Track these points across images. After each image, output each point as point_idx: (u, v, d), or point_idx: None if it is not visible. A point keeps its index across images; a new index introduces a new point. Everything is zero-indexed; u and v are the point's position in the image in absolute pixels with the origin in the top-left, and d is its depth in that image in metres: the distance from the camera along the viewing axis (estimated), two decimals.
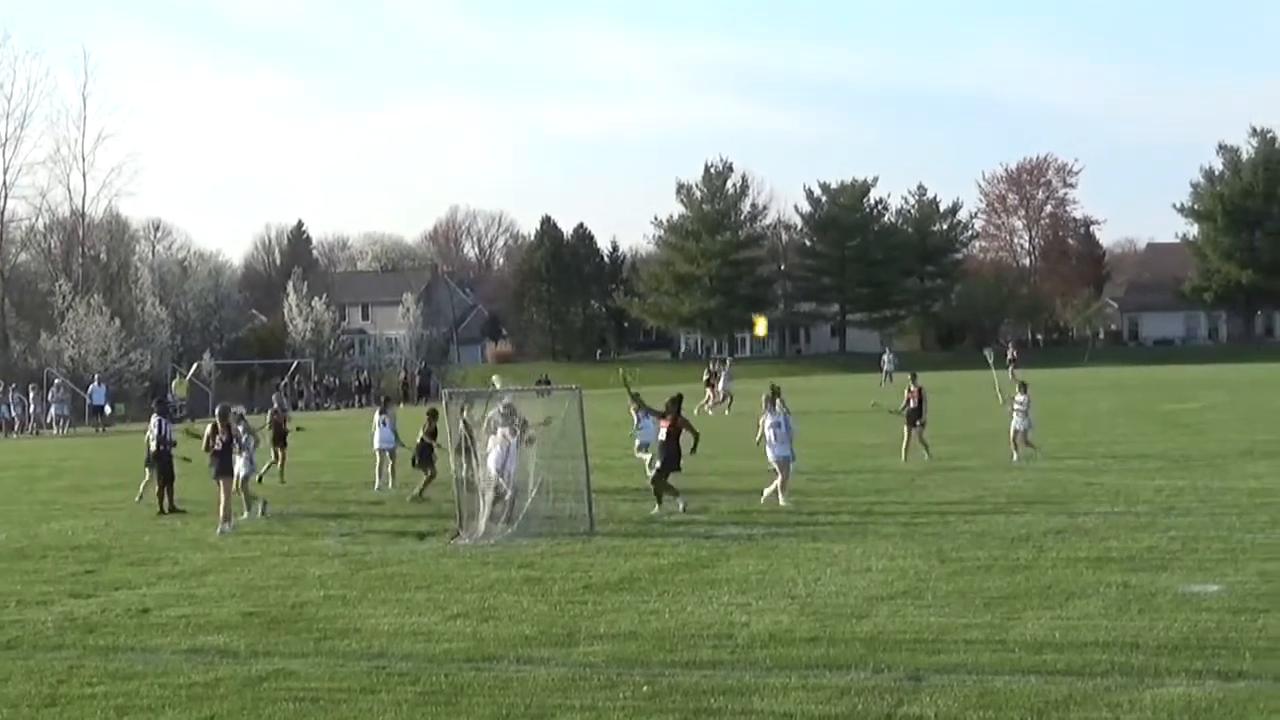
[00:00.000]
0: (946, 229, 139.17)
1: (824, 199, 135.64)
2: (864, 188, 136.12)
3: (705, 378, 55.93)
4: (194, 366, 75.07)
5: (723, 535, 20.34)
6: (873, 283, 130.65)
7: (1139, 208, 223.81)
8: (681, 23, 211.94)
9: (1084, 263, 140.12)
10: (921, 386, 31.71)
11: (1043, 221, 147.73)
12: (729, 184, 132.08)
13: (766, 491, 23.76)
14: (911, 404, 31.38)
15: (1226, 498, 22.52)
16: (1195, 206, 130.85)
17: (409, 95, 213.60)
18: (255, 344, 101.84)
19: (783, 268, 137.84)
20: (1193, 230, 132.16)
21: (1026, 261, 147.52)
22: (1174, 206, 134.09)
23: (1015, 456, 30.08)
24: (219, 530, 23.17)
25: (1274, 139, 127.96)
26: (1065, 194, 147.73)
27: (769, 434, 23.91)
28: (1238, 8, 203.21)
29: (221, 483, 23.83)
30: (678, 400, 24.03)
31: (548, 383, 52.64)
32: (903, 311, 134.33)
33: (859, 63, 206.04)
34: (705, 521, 21.97)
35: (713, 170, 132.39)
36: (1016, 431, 30.80)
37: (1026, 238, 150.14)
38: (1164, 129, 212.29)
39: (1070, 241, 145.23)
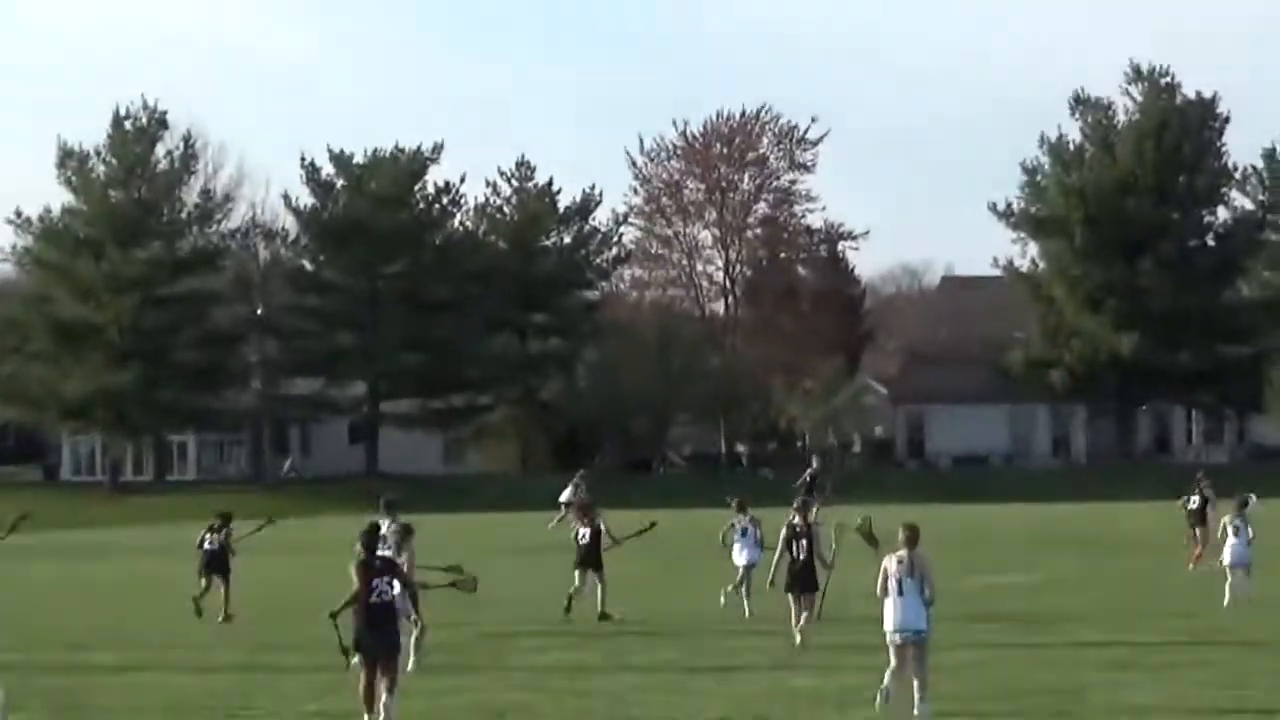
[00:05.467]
0: (570, 244, 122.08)
1: (340, 181, 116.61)
2: (417, 162, 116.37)
3: (1189, 511, 46.00)
4: None
5: None
6: (430, 344, 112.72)
7: (929, 211, 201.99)
8: None
9: (826, 311, 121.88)
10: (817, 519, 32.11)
11: (751, 232, 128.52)
12: (159, 148, 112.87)
13: None
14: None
15: None
16: (1033, 209, 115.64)
17: None
18: None
19: (260, 311, 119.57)
20: (1027, 252, 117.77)
21: (720, 306, 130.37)
22: (990, 208, 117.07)
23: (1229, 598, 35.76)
24: None
25: (1175, 84, 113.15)
26: (793, 181, 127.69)
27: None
28: None
29: None
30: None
31: None
32: (486, 398, 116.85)
33: None
34: None
35: (129, 120, 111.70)
36: (1236, 566, 35.09)
37: (720, 262, 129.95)
38: (975, 62, 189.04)
39: (802, 272, 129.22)
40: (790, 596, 30.16)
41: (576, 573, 34.78)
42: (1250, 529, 35.98)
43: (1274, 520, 45.83)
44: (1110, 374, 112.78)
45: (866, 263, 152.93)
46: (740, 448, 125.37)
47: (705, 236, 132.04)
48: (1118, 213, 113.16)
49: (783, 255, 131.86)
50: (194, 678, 27.19)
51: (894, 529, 29.33)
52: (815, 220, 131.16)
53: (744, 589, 35.01)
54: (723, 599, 35.10)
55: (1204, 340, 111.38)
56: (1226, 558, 35.92)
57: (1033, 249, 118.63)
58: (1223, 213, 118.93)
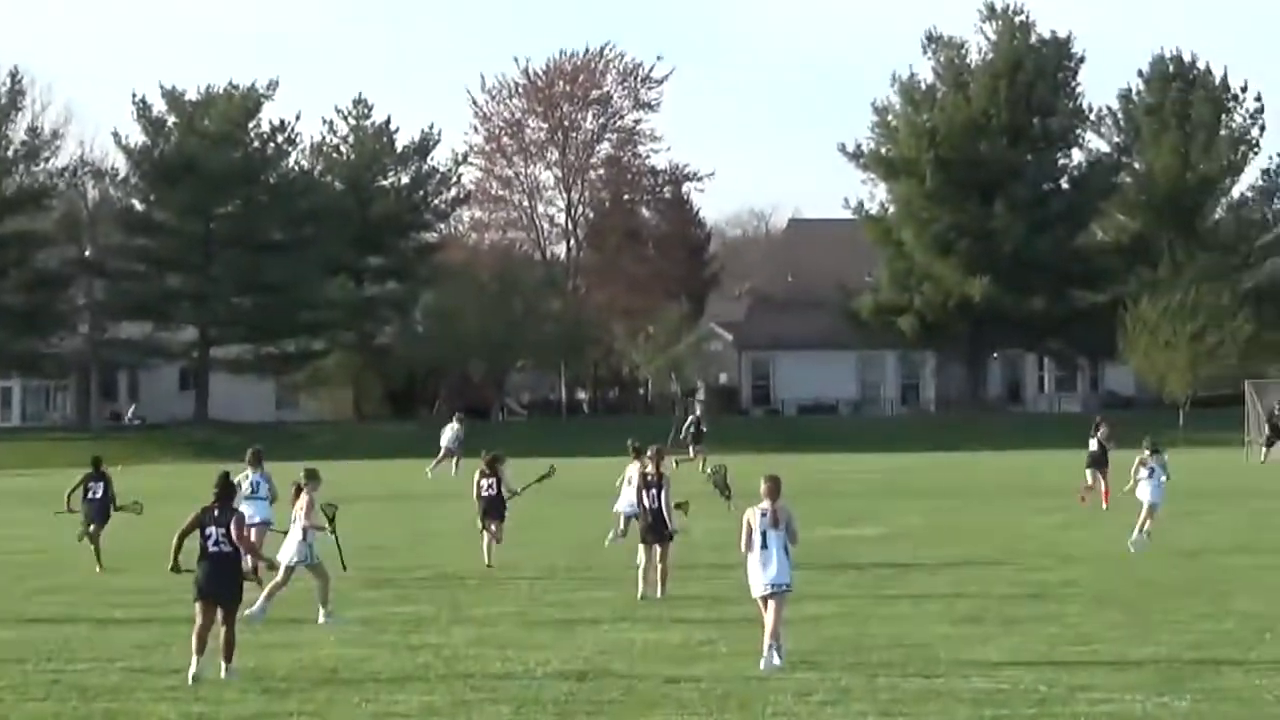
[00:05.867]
0: (408, 184, 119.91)
1: (172, 118, 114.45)
2: (251, 99, 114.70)
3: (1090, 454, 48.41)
4: None
5: None
6: (263, 287, 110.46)
7: (776, 152, 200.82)
8: None
9: (670, 255, 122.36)
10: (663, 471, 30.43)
11: (594, 173, 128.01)
12: None
13: None
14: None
15: None
16: (883, 149, 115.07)
17: None
18: None
19: (89, 253, 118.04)
20: (876, 195, 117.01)
21: (561, 249, 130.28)
22: (840, 149, 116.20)
23: (1138, 534, 36.29)
24: None
25: (1029, 23, 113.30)
26: (638, 121, 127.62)
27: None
28: None
29: None
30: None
31: None
32: (320, 343, 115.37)
33: None
34: None
35: None
36: (1153, 505, 36.83)
37: (562, 203, 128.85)
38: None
39: (646, 214, 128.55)
40: (642, 546, 30.03)
41: (480, 523, 34.24)
42: (1164, 473, 36.88)
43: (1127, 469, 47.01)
44: (961, 320, 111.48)
45: (712, 205, 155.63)
46: (581, 395, 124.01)
47: (547, 177, 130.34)
48: (970, 154, 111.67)
49: (626, 197, 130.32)
50: (14, 631, 26.49)
51: (742, 480, 29.70)
52: (660, 161, 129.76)
53: (618, 533, 35.76)
54: (607, 543, 35.33)
55: (1057, 285, 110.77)
56: (1146, 497, 36.56)
57: (882, 191, 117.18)
58: (1077, 155, 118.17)
